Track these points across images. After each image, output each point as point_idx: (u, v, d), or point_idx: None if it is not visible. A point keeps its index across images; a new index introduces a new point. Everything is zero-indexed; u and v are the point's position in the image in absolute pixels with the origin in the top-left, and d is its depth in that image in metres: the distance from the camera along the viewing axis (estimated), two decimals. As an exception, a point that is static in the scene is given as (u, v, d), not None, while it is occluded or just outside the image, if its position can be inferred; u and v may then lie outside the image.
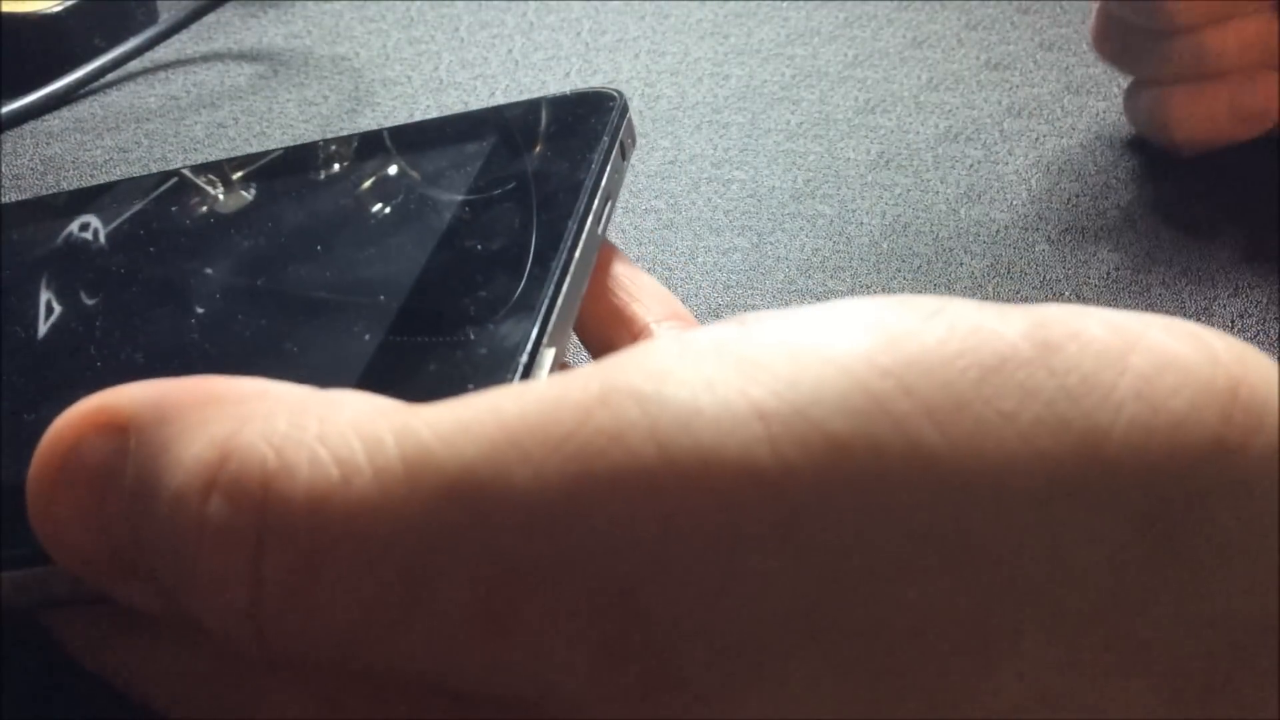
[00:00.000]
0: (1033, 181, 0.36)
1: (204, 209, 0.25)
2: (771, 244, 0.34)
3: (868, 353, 0.13)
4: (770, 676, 0.12)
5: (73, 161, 0.40)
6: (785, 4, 0.49)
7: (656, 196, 0.37)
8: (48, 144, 0.41)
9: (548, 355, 0.18)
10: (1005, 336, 0.13)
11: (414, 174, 0.24)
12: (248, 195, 0.25)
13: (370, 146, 0.26)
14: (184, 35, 0.48)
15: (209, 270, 0.23)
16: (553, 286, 0.19)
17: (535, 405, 0.13)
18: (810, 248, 0.34)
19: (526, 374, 0.18)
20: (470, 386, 0.17)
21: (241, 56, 0.47)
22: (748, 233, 0.35)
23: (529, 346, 0.18)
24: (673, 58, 0.45)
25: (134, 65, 0.46)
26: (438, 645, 0.13)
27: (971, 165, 0.37)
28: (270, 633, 0.13)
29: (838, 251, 0.33)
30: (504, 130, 0.25)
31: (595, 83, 0.44)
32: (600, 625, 0.12)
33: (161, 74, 0.46)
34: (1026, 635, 0.12)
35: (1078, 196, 0.35)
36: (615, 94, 0.24)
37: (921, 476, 0.12)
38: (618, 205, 0.36)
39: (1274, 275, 0.31)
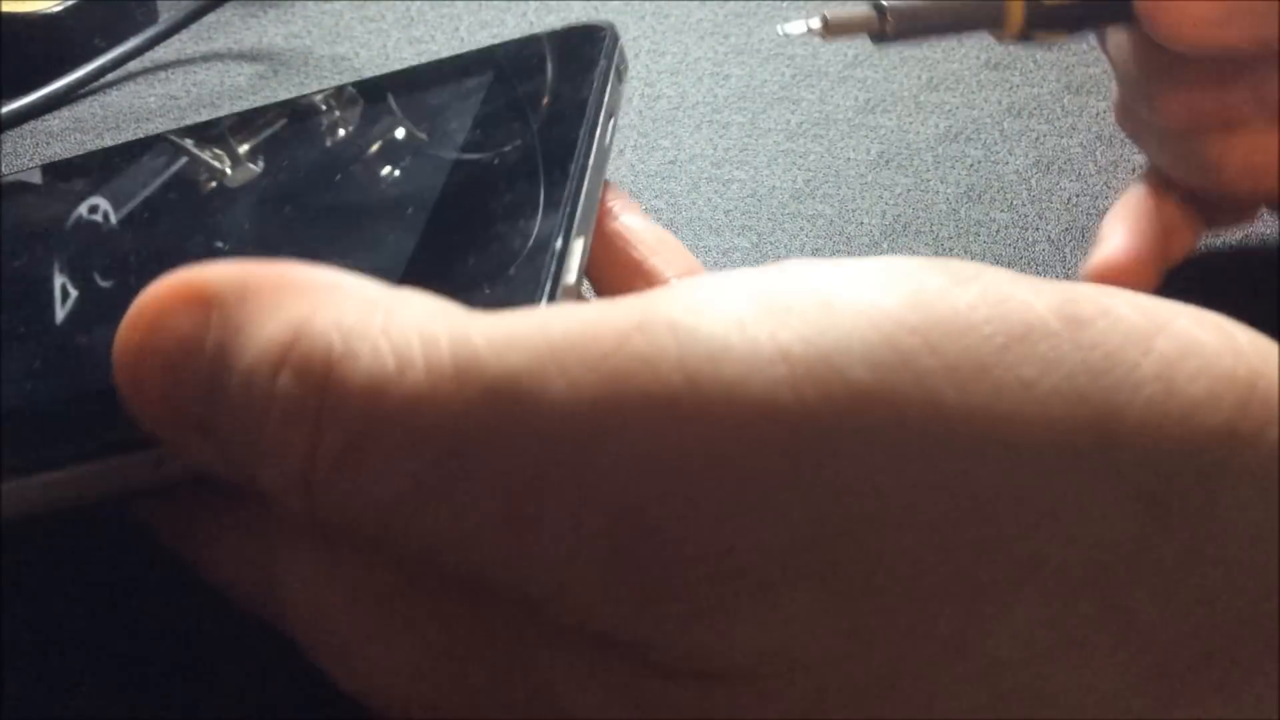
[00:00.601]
0: (1033, 181, 0.36)
1: (236, 151, 0.26)
2: (771, 244, 0.34)
3: (898, 310, 0.13)
4: (766, 602, 0.13)
5: (73, 161, 0.40)
6: (785, 4, 0.49)
7: (656, 196, 0.37)
8: (48, 144, 0.41)
9: (578, 244, 0.19)
10: (1035, 309, 0.14)
11: (428, 106, 0.26)
12: (275, 134, 0.27)
13: (377, 88, 0.27)
14: (184, 35, 0.48)
15: (248, 199, 0.24)
16: (575, 184, 0.21)
17: (579, 325, 0.14)
18: (810, 248, 0.34)
19: (561, 261, 0.19)
20: (512, 272, 0.19)
21: (241, 56, 0.47)
22: (748, 233, 0.35)
23: (562, 234, 0.19)
24: (673, 58, 0.45)
25: (134, 65, 0.46)
26: (462, 535, 0.14)
27: (971, 165, 0.37)
28: (319, 499, 0.15)
29: (837, 251, 0.33)
30: (505, 62, 0.26)
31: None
32: (612, 536, 0.13)
33: (161, 74, 0.46)
34: (1020, 595, 0.13)
35: (1078, 196, 0.35)
36: (606, 25, 0.26)
37: (935, 431, 0.13)
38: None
39: (1274, 274, 0.31)
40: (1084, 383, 0.13)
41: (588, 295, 0.24)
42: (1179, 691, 0.13)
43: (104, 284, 0.23)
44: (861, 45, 0.45)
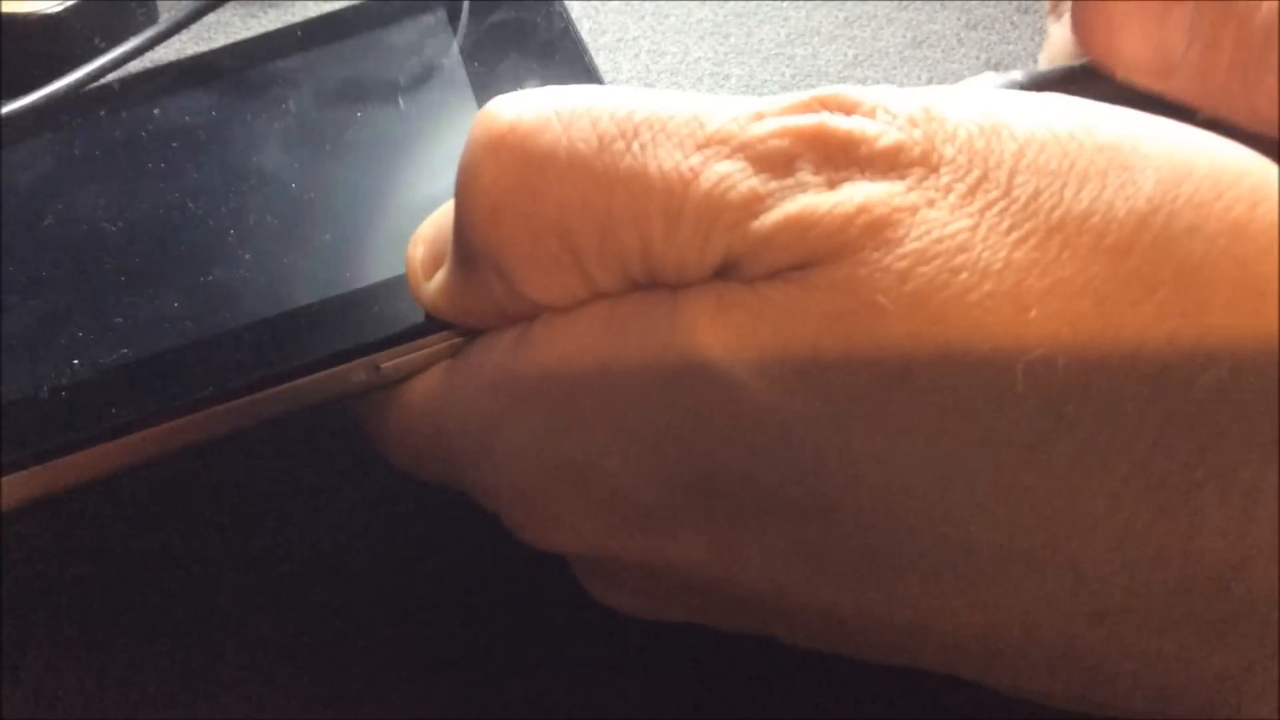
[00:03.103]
0: (1033, 181, 0.36)
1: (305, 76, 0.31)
2: (771, 244, 0.34)
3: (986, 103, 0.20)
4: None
5: (73, 161, 0.40)
6: (785, 4, 0.49)
7: (656, 196, 0.37)
8: (48, 144, 0.41)
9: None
10: (1068, 120, 0.19)
11: (407, 28, 0.30)
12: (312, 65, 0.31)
13: (332, 26, 0.31)
14: (184, 35, 0.48)
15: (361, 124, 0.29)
16: (583, 46, 0.27)
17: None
18: (810, 247, 0.34)
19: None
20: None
21: (241, 56, 0.47)
22: (748, 232, 0.35)
23: (594, 77, 0.26)
24: (673, 58, 0.45)
25: (134, 65, 0.46)
26: (626, 242, 0.20)
27: (971, 165, 0.37)
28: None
29: (838, 251, 0.33)
30: None
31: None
32: (710, 244, 0.20)
33: (161, 74, 0.46)
34: (1064, 249, 0.18)
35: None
36: None
37: (1026, 171, 0.19)
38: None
39: None
40: (1102, 134, 0.19)
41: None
42: (1173, 328, 0.17)
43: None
44: (861, 45, 0.45)
